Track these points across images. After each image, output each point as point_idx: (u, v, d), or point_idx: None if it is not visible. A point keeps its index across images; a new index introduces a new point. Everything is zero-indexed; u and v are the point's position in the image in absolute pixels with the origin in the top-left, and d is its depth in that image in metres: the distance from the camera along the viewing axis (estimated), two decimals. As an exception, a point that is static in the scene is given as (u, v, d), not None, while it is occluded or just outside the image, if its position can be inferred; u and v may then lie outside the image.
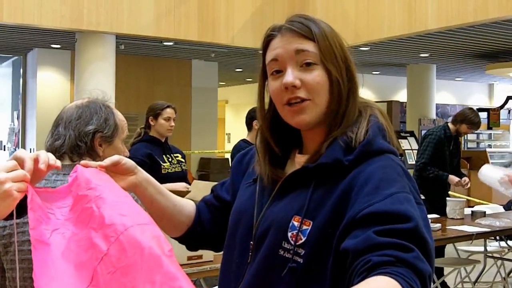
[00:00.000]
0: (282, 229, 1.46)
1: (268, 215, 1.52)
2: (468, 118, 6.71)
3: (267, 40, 1.56)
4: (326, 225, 1.40)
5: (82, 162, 1.48)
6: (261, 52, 1.59)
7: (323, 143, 1.51)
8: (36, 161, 1.42)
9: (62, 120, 2.35)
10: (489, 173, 5.69)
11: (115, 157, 1.53)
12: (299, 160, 1.57)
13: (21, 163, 1.39)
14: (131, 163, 1.56)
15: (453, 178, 6.66)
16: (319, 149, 1.50)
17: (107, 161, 1.51)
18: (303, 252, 1.42)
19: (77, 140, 2.30)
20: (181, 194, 4.65)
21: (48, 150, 2.29)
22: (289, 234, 1.44)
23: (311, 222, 1.42)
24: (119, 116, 2.41)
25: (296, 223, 1.44)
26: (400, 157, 1.52)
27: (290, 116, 1.52)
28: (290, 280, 1.43)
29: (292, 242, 1.43)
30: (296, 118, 1.51)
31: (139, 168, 1.59)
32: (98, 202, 1.32)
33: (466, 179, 6.82)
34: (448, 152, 6.81)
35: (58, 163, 1.46)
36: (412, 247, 1.24)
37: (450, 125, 6.89)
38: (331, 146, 1.48)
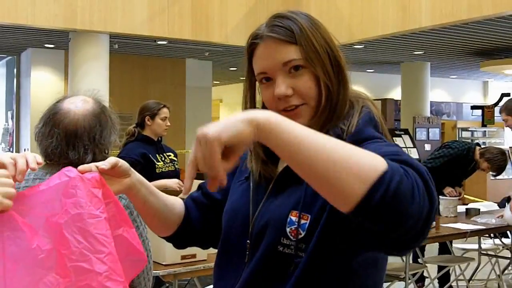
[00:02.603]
0: (280, 225, 1.46)
1: (264, 212, 1.52)
2: (494, 160, 6.36)
3: (251, 49, 1.55)
4: (324, 216, 1.40)
5: (80, 168, 1.42)
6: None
7: None
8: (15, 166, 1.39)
9: (84, 133, 2.11)
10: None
11: (112, 159, 1.48)
12: None
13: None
14: (126, 165, 1.52)
15: (447, 188, 6.58)
16: None
17: (106, 164, 1.46)
18: (304, 246, 1.42)
19: (102, 153, 2.15)
20: (174, 193, 4.65)
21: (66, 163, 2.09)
22: (288, 229, 1.44)
23: (309, 216, 1.43)
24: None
25: (294, 218, 1.44)
26: None
27: None
28: (295, 276, 1.43)
29: (292, 238, 1.43)
30: None
31: (132, 169, 1.56)
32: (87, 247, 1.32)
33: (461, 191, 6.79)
34: (461, 171, 6.65)
35: (38, 158, 1.44)
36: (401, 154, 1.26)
37: (477, 151, 6.53)
38: None
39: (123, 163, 1.51)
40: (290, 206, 1.46)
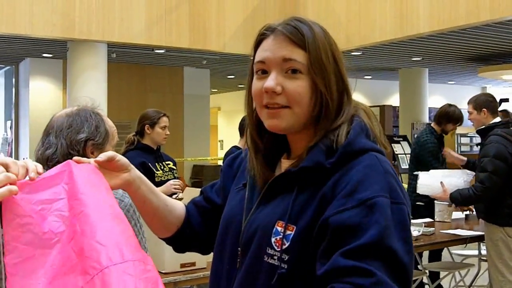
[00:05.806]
0: (267, 235, 1.45)
1: (253, 221, 1.51)
2: (452, 116, 6.42)
3: (260, 39, 1.53)
4: (309, 229, 1.39)
5: (75, 158, 1.44)
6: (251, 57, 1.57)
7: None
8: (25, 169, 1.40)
9: (52, 129, 2.32)
10: (427, 183, 5.59)
11: (109, 153, 1.51)
12: (284, 165, 1.56)
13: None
14: (124, 160, 1.54)
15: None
16: (302, 153, 1.49)
17: (102, 157, 1.49)
18: (287, 258, 1.40)
19: (69, 148, 2.27)
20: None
21: (39, 159, 2.28)
22: (273, 239, 1.43)
23: (295, 227, 1.41)
24: (109, 123, 2.41)
25: (279, 228, 1.43)
26: (392, 157, 1.50)
27: (265, 118, 1.50)
28: (278, 287, 1.41)
29: (276, 248, 1.42)
30: (270, 121, 1.49)
31: (132, 165, 1.58)
32: (81, 221, 1.27)
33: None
34: (436, 154, 6.60)
35: (40, 167, 1.45)
36: (374, 271, 1.26)
37: (434, 126, 6.61)
38: (312, 150, 1.46)
39: (121, 158, 1.54)
40: (277, 215, 1.45)
